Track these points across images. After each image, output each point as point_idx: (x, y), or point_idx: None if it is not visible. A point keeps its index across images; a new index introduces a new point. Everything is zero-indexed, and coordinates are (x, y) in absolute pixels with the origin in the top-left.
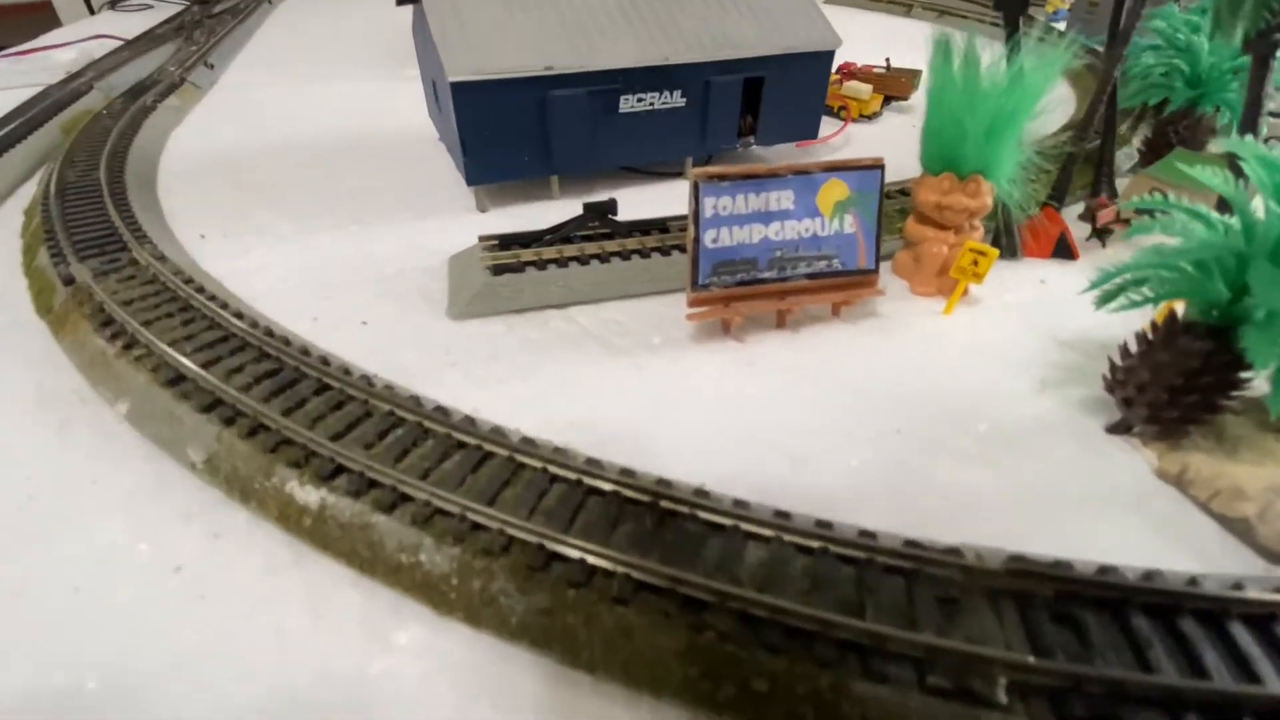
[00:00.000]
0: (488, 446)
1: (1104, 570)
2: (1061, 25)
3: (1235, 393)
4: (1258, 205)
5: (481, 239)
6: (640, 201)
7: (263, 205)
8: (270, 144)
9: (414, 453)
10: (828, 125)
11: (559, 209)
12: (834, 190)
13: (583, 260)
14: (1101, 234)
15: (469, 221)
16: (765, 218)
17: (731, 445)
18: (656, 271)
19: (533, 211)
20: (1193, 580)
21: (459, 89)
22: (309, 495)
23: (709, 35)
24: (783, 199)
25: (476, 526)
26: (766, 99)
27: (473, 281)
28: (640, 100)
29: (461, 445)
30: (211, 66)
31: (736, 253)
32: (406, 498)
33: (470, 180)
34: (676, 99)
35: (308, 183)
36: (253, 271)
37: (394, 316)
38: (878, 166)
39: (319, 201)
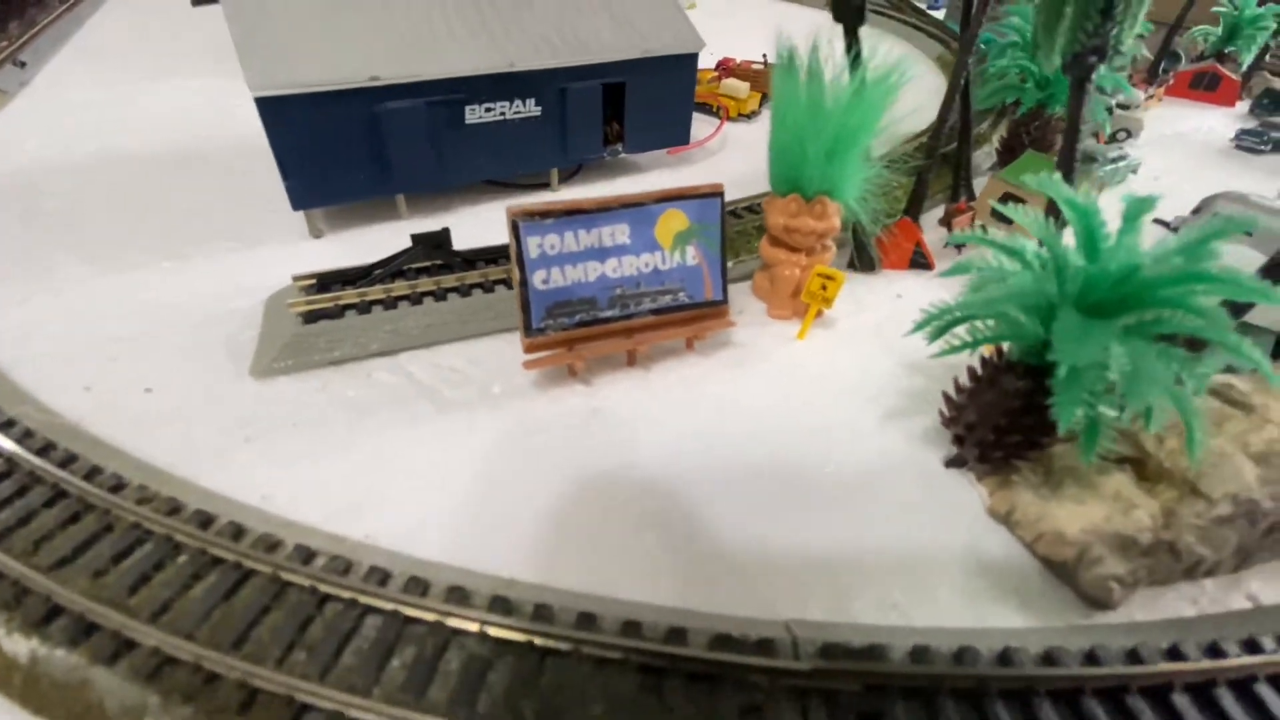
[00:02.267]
0: (249, 563)
1: (915, 655)
2: (940, 14)
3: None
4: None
5: (296, 279)
6: (500, 220)
7: (54, 241)
8: (78, 161)
9: (156, 579)
10: (708, 124)
11: (409, 230)
12: (672, 221)
13: (414, 299)
14: (959, 246)
15: (303, 250)
16: (600, 254)
17: (551, 524)
18: (501, 307)
19: (377, 235)
20: (1004, 655)
21: (266, 105)
22: (18, 646)
23: (561, 39)
24: (617, 233)
25: (213, 678)
26: (630, 105)
27: (281, 332)
28: (489, 110)
29: (218, 562)
30: (23, 65)
31: (572, 292)
32: (132, 644)
33: (296, 204)
34: (530, 108)
35: (119, 208)
36: (23, 329)
37: (189, 379)
38: (717, 194)
39: (128, 233)
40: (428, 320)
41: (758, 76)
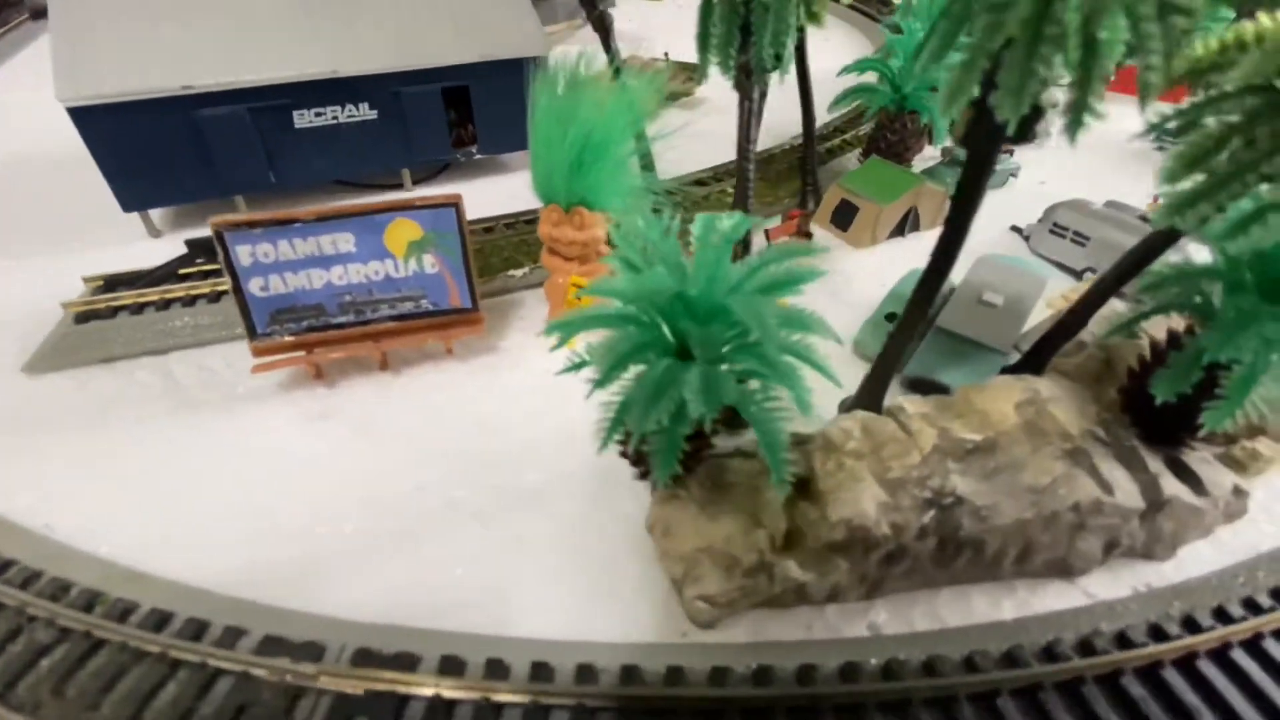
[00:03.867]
0: None
1: (490, 667)
2: None
3: (710, 451)
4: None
5: (86, 280)
6: None
7: None
8: None
9: None
10: None
11: None
12: (404, 230)
13: (187, 302)
14: None
15: (137, 250)
16: (324, 262)
17: (248, 532)
18: None
19: None
20: (582, 670)
21: (76, 115)
22: None
23: (394, 45)
24: (340, 242)
25: None
26: (479, 107)
27: (59, 331)
28: (319, 115)
29: None
30: None
31: (296, 299)
32: None
33: (125, 207)
34: (365, 112)
35: None
36: None
37: None
38: (451, 204)
39: None
40: (196, 322)
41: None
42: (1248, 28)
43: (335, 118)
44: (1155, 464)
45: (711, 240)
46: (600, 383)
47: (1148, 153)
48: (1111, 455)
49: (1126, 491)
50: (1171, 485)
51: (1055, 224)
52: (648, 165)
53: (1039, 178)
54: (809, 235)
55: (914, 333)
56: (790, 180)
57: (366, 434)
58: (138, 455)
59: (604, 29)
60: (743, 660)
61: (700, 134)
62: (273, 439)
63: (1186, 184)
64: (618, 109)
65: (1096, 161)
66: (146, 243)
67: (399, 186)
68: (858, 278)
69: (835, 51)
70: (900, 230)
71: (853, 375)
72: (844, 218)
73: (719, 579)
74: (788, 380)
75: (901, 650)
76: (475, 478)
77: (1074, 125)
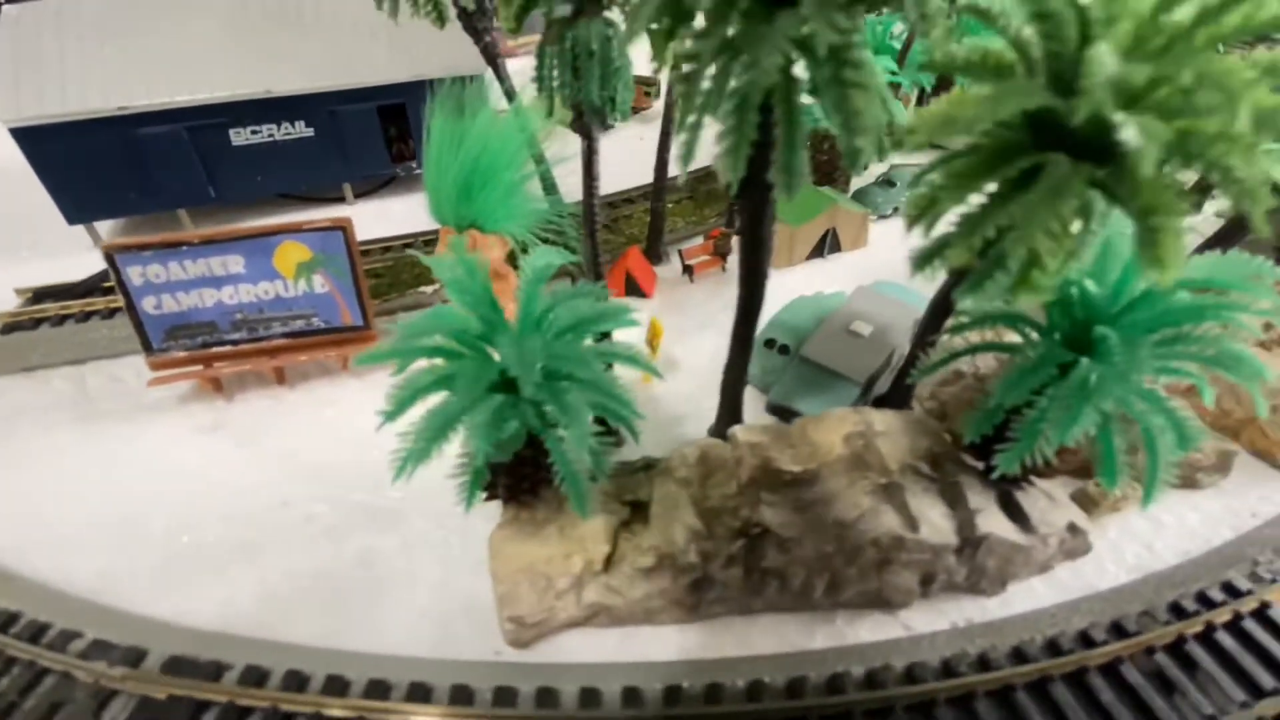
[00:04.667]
0: None
1: (287, 679)
2: None
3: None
4: None
5: (18, 292)
6: None
7: None
8: None
9: None
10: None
11: None
12: (293, 252)
13: (106, 314)
14: (689, 270)
15: (82, 261)
16: (215, 282)
17: (118, 538)
18: None
19: None
20: (372, 685)
21: (18, 134)
22: None
23: (329, 65)
24: (230, 263)
25: None
26: (416, 124)
27: None
28: (255, 133)
29: None
30: None
31: (190, 316)
32: None
33: (70, 219)
34: (301, 129)
35: None
36: None
37: None
38: (339, 228)
39: None
40: (113, 334)
41: None
42: (955, 95)
43: (272, 135)
44: (981, 500)
45: (527, 277)
46: (389, 415)
47: None
48: (930, 490)
49: (936, 528)
50: (991, 522)
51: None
52: (550, 188)
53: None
54: (725, 255)
55: (742, 367)
56: (720, 200)
57: (250, 447)
58: (37, 463)
59: (491, 59)
60: (536, 681)
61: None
62: (162, 449)
63: (916, 238)
64: (507, 133)
65: None
66: (93, 254)
67: (341, 200)
68: (773, 298)
69: None
70: (820, 251)
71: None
72: None
73: (532, 599)
74: (570, 418)
75: (702, 675)
76: (340, 493)
77: (784, 187)
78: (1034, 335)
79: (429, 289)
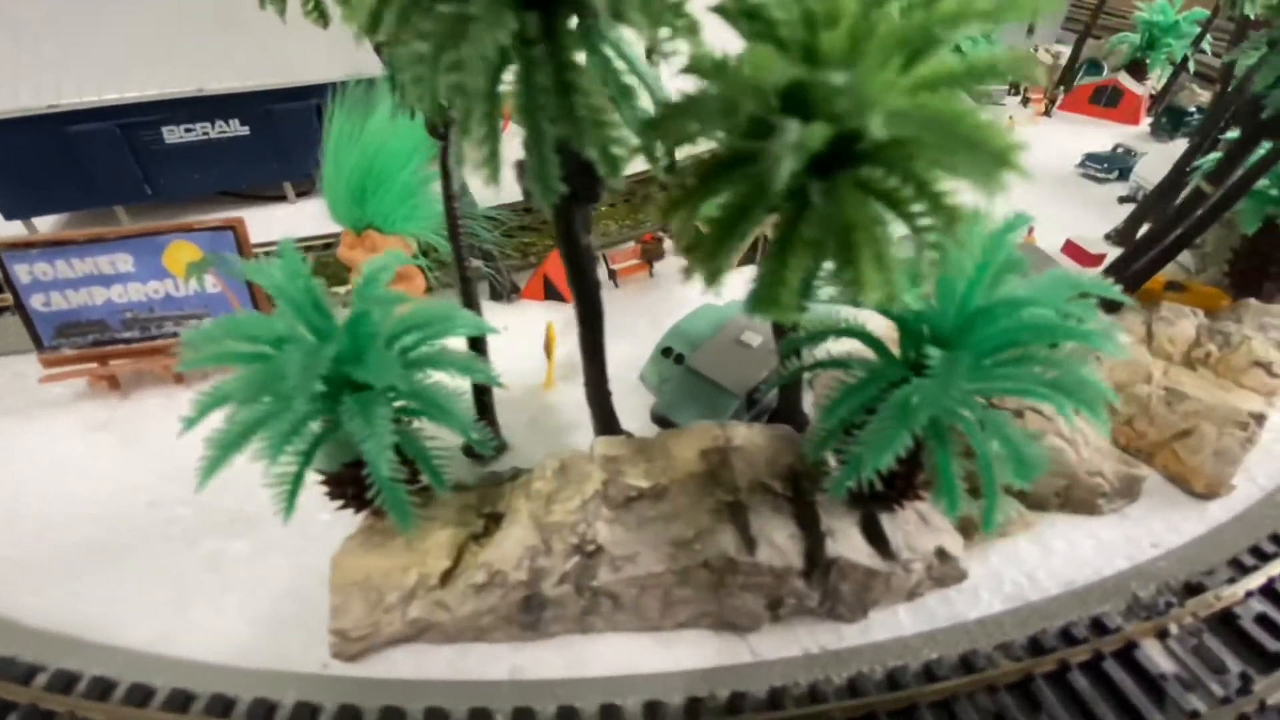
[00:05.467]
0: None
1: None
2: None
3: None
4: None
5: None
6: None
7: None
8: None
9: None
10: None
11: None
12: (183, 251)
13: (13, 310)
14: (613, 275)
15: None
16: (104, 281)
17: None
18: None
19: None
20: (173, 695)
21: None
22: None
23: (263, 63)
24: (119, 262)
25: None
26: None
27: None
28: (189, 131)
29: None
30: None
31: (80, 315)
32: None
33: (7, 215)
34: (236, 128)
35: None
36: None
37: None
38: (230, 227)
39: None
40: (22, 330)
41: None
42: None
43: (207, 134)
44: (838, 522)
45: (359, 281)
46: (189, 422)
47: (1080, 182)
48: (783, 510)
49: (778, 550)
50: (843, 546)
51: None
52: (464, 189)
53: None
54: (652, 260)
55: (596, 380)
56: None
57: (134, 446)
58: None
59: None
60: (349, 698)
61: None
62: (50, 446)
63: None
64: (405, 133)
65: (1018, 190)
66: None
67: (284, 199)
68: (696, 304)
69: None
70: (752, 257)
71: (643, 406)
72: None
73: (361, 613)
74: (368, 428)
75: (530, 696)
76: (208, 497)
77: (539, 196)
78: (869, 353)
79: (341, 290)
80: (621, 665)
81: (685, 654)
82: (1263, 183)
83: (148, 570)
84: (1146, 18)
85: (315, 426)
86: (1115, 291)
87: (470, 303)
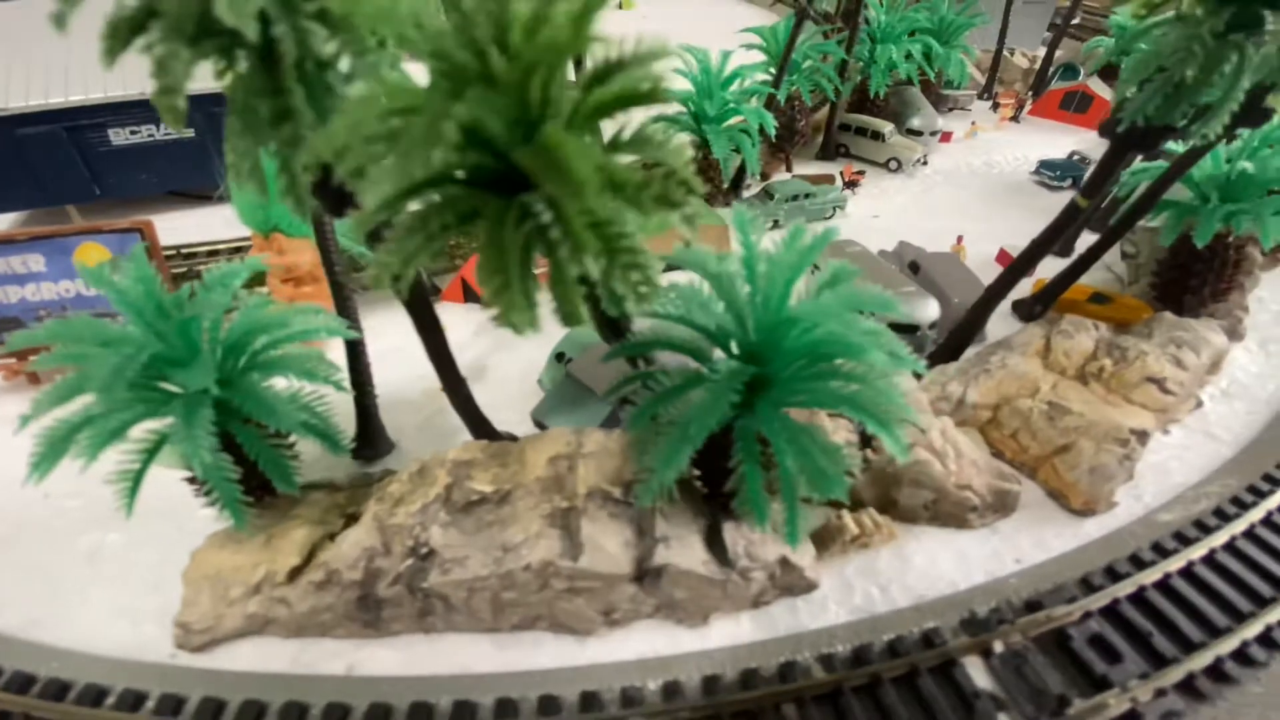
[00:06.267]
0: None
1: None
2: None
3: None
4: None
5: None
6: (177, 227)
7: None
8: None
9: None
10: None
11: None
12: (92, 252)
13: None
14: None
15: None
16: (18, 280)
17: None
18: None
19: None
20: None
21: None
22: None
23: (206, 67)
24: (31, 262)
25: None
26: None
27: None
28: (134, 133)
29: None
30: None
31: None
32: None
33: None
34: (182, 130)
35: None
36: None
37: None
38: (137, 230)
39: None
40: None
41: None
42: None
43: (152, 135)
44: (678, 529)
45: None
46: (24, 420)
47: (1030, 189)
48: (620, 517)
49: (606, 556)
50: (674, 554)
51: (816, 266)
52: None
53: (874, 211)
54: None
55: (452, 388)
56: None
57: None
58: None
59: None
60: (169, 687)
61: None
62: None
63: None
64: None
65: (954, 200)
66: None
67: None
68: None
69: None
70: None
71: None
72: None
73: (206, 606)
74: (186, 431)
75: (356, 694)
76: (97, 490)
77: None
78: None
79: (263, 290)
80: (458, 665)
81: (520, 655)
82: (1185, 194)
83: (31, 561)
84: (1121, 21)
85: (157, 425)
86: (894, 305)
87: (343, 305)
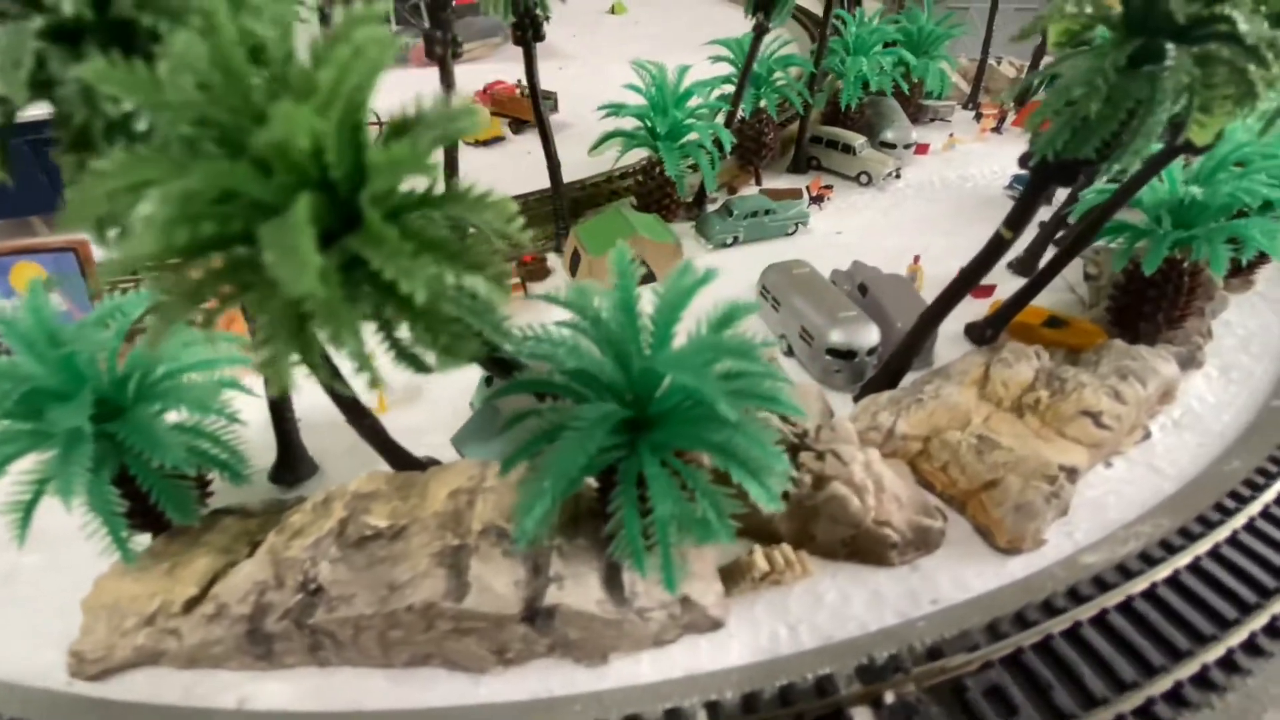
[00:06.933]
0: None
1: None
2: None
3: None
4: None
5: None
6: None
7: None
8: None
9: None
10: None
11: None
12: (29, 271)
13: None
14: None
15: None
16: None
17: None
18: None
19: None
20: None
21: None
22: None
23: None
24: None
25: None
26: None
27: None
28: None
29: None
30: None
31: None
32: None
33: None
34: None
35: None
36: None
37: None
38: (70, 249)
39: None
40: None
41: (514, 104)
42: None
43: None
44: (575, 569)
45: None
46: None
47: (996, 200)
48: (512, 555)
49: (493, 596)
50: (566, 593)
51: (764, 286)
52: None
53: (839, 227)
54: (535, 279)
55: (359, 418)
56: (546, 221)
57: None
58: None
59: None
60: (57, 716)
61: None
62: None
63: None
64: None
65: (923, 215)
66: None
67: None
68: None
69: None
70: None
71: None
72: (575, 265)
73: (101, 636)
74: (60, 464)
75: None
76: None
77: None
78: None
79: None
80: (351, 701)
81: (413, 692)
82: (1137, 218)
83: None
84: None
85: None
86: (754, 353)
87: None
